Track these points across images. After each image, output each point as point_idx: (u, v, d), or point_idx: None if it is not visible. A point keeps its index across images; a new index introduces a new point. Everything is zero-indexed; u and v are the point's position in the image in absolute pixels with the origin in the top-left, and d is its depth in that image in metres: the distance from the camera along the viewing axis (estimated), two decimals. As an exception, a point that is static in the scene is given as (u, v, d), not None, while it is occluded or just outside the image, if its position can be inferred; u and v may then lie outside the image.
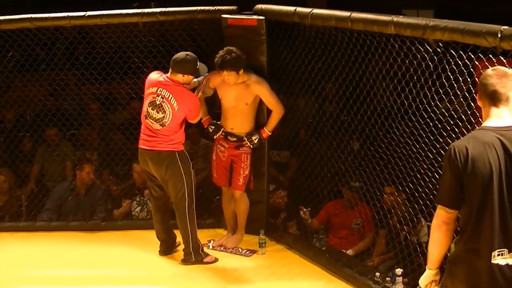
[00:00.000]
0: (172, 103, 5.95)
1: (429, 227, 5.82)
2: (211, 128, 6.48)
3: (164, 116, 5.96)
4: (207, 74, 6.28)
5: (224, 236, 6.66)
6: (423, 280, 3.89)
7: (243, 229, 6.58)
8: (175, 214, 6.17)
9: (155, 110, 5.99)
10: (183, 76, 6.00)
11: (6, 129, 8.05)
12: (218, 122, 6.47)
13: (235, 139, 6.40)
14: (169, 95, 5.97)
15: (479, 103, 3.68)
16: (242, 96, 6.28)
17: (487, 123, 3.62)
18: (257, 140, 6.36)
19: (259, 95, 6.31)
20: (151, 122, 6.01)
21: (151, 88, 6.07)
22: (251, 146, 6.37)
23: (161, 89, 6.00)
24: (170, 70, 6.05)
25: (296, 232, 6.74)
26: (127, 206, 7.35)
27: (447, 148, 4.95)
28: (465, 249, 3.63)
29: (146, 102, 6.08)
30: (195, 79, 6.17)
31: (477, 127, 3.69)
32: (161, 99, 5.97)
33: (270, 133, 6.41)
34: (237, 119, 6.37)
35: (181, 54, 6.05)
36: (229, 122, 6.41)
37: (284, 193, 7.13)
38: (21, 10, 7.18)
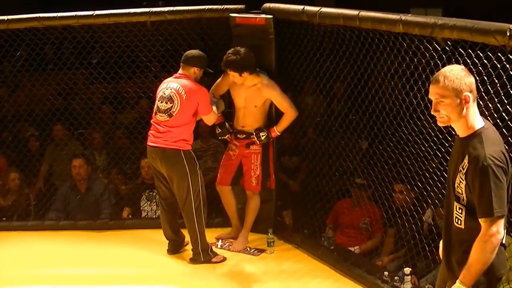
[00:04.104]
0: (180, 91, 5.99)
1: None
2: (218, 130, 6.49)
3: (172, 106, 5.99)
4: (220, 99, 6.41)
5: (230, 234, 6.68)
6: None
7: (249, 229, 6.56)
8: (182, 214, 6.17)
9: (164, 102, 6.03)
10: (196, 70, 6.07)
11: (15, 128, 8.08)
12: (229, 124, 6.49)
13: (244, 136, 6.41)
14: (178, 86, 6.02)
15: (471, 99, 3.57)
16: (252, 99, 6.30)
17: (482, 120, 3.63)
18: (264, 137, 6.36)
19: (270, 99, 6.31)
20: (160, 115, 6.04)
21: (161, 86, 6.16)
22: (258, 142, 6.37)
23: (170, 83, 6.09)
24: (181, 66, 6.11)
25: (305, 232, 6.72)
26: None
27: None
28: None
29: (156, 100, 6.12)
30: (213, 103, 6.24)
31: (485, 126, 3.62)
32: (170, 91, 6.02)
33: (279, 133, 6.40)
34: (247, 119, 6.40)
35: (191, 51, 6.16)
36: (239, 121, 6.44)
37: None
38: (29, 10, 7.19)
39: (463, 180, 3.55)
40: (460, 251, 3.65)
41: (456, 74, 3.54)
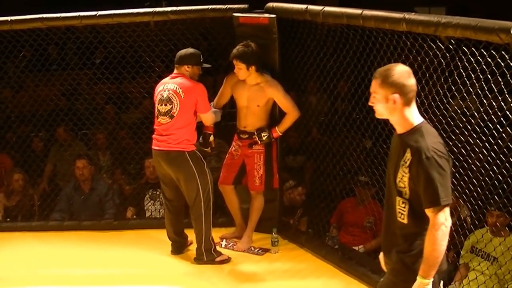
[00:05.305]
0: (178, 91, 5.98)
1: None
2: (201, 140, 6.36)
3: (172, 107, 5.98)
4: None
5: (234, 233, 6.68)
6: None
7: (253, 229, 6.56)
8: (190, 214, 6.15)
9: (163, 105, 6.01)
10: (188, 67, 6.05)
11: (18, 129, 8.09)
12: (231, 124, 6.47)
13: (246, 136, 6.41)
14: (175, 86, 6.00)
15: (399, 102, 3.64)
16: (255, 98, 6.29)
17: (420, 118, 3.72)
18: (266, 137, 6.35)
19: (272, 98, 6.31)
20: (162, 118, 6.02)
21: (158, 89, 6.14)
22: (260, 142, 6.36)
23: (167, 84, 6.07)
24: (175, 67, 6.10)
25: (309, 231, 6.72)
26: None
27: (459, 145, 4.95)
28: None
29: (156, 104, 6.11)
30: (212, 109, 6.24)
31: (423, 122, 3.73)
32: (168, 92, 6.01)
33: (281, 134, 6.40)
34: (249, 119, 6.38)
35: (183, 50, 6.15)
36: (242, 121, 6.43)
37: (303, 190, 7.15)
38: (34, 10, 7.19)
39: (406, 174, 3.64)
40: (406, 245, 3.74)
41: (392, 74, 3.65)
